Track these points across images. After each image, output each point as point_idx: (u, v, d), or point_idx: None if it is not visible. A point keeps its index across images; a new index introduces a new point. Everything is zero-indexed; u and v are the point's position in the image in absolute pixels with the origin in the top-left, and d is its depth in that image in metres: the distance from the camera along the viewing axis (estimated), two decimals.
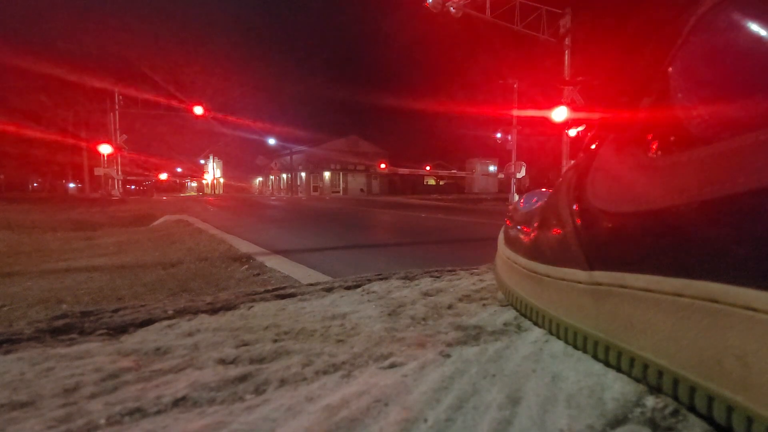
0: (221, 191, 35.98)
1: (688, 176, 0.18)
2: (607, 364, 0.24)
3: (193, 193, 33.06)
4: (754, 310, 0.15)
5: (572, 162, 0.36)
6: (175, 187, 36.06)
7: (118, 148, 18.54)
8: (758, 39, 0.17)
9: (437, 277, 0.52)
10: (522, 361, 0.25)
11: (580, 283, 0.25)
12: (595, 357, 0.25)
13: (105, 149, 18.06)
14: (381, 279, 0.51)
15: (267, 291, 0.46)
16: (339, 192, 30.25)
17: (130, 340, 0.32)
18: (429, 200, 17.26)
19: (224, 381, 0.24)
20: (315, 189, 30.53)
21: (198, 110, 20.20)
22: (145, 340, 0.32)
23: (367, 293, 0.45)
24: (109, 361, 0.27)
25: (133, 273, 2.28)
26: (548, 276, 0.29)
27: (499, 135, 15.54)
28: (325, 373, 0.25)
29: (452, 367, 0.25)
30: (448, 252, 3.26)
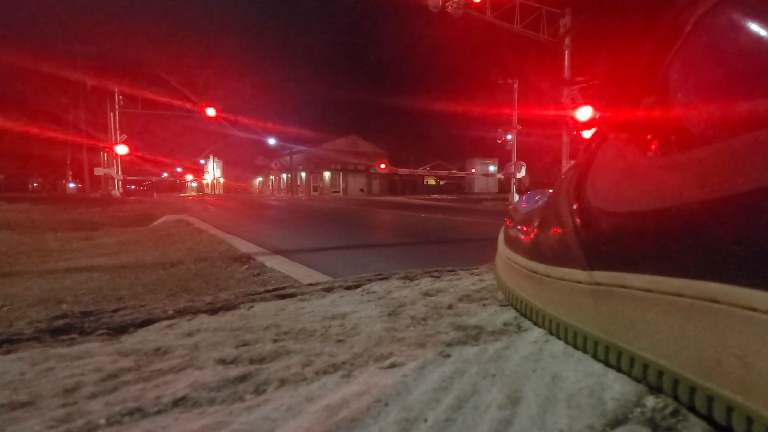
0: (221, 191, 35.97)
1: (688, 176, 0.18)
2: (607, 364, 0.24)
3: (193, 193, 33.04)
4: (754, 310, 0.15)
5: (572, 162, 0.36)
6: (175, 187, 36.05)
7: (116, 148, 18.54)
8: (758, 39, 0.17)
9: (437, 277, 0.52)
10: (522, 361, 0.25)
11: (580, 283, 0.25)
12: (595, 357, 0.25)
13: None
14: (381, 279, 0.51)
15: (267, 291, 0.46)
16: (339, 192, 30.24)
17: (130, 340, 0.32)
18: (429, 200, 17.26)
19: (224, 381, 0.24)
20: (315, 189, 30.53)
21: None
22: (145, 340, 0.32)
23: (367, 293, 0.45)
24: (109, 361, 0.27)
25: (133, 273, 2.28)
26: (548, 276, 0.29)
27: (499, 135, 15.53)
28: (325, 373, 0.25)
29: (452, 367, 0.25)
30: (448, 252, 3.25)
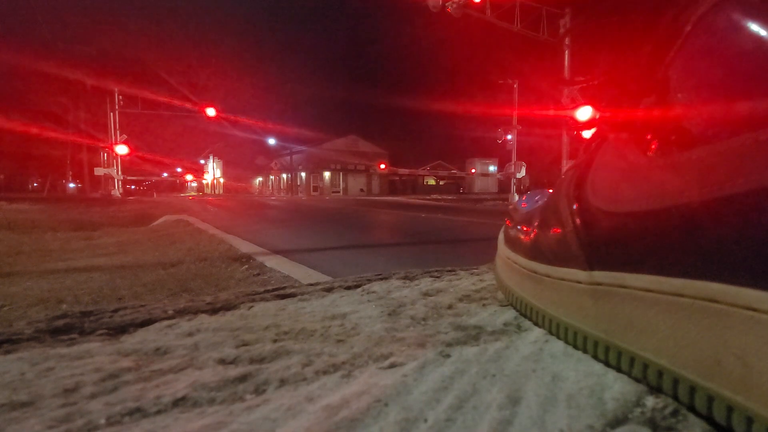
0: (221, 191, 35.95)
1: (688, 176, 0.18)
2: (607, 364, 0.24)
3: (193, 193, 33.02)
4: (754, 310, 0.15)
5: (572, 162, 0.36)
6: (175, 187, 36.03)
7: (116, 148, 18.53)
8: (758, 39, 0.17)
9: (437, 277, 0.52)
10: (522, 361, 0.25)
11: (580, 283, 0.25)
12: (595, 357, 0.25)
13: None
14: (381, 279, 0.51)
15: (267, 291, 0.46)
16: (339, 192, 30.24)
17: (130, 340, 0.32)
18: (429, 200, 17.28)
19: (224, 381, 0.24)
20: (315, 189, 30.53)
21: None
22: (145, 340, 0.32)
23: (367, 293, 0.45)
24: (109, 361, 0.27)
25: (133, 273, 2.28)
26: (548, 276, 0.29)
27: (499, 135, 15.53)
28: (325, 373, 0.25)
29: (452, 367, 0.25)
30: (448, 252, 3.25)
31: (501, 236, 0.44)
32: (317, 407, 0.21)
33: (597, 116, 0.28)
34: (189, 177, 36.33)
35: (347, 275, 0.55)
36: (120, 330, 0.34)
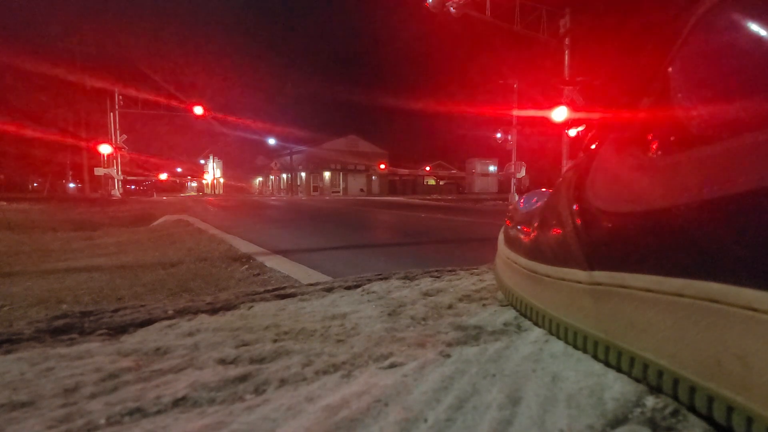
0: (221, 191, 35.94)
1: (688, 176, 0.18)
2: (607, 364, 0.24)
3: (193, 193, 33.03)
4: (754, 310, 0.15)
5: (572, 162, 0.36)
6: (175, 187, 36.02)
7: (117, 148, 18.52)
8: (758, 39, 0.17)
9: (437, 277, 0.52)
10: (522, 361, 0.25)
11: (580, 283, 0.25)
12: (595, 357, 0.25)
13: (105, 149, 18.02)
14: (381, 279, 0.51)
15: (267, 291, 0.46)
16: (339, 192, 30.25)
17: (130, 340, 0.32)
18: (429, 200, 17.29)
19: (224, 381, 0.24)
20: (315, 189, 30.53)
21: (198, 110, 20.15)
22: (145, 340, 0.32)
23: (367, 293, 0.45)
24: (109, 361, 0.27)
25: (133, 273, 2.28)
26: (548, 276, 0.29)
27: (499, 135, 15.53)
28: (325, 373, 0.25)
29: (452, 367, 0.25)
30: (448, 252, 3.25)
31: (501, 236, 0.44)
32: (317, 407, 0.21)
33: (597, 117, 0.28)
34: (189, 177, 36.32)
35: (347, 275, 0.55)
36: (120, 330, 0.34)
